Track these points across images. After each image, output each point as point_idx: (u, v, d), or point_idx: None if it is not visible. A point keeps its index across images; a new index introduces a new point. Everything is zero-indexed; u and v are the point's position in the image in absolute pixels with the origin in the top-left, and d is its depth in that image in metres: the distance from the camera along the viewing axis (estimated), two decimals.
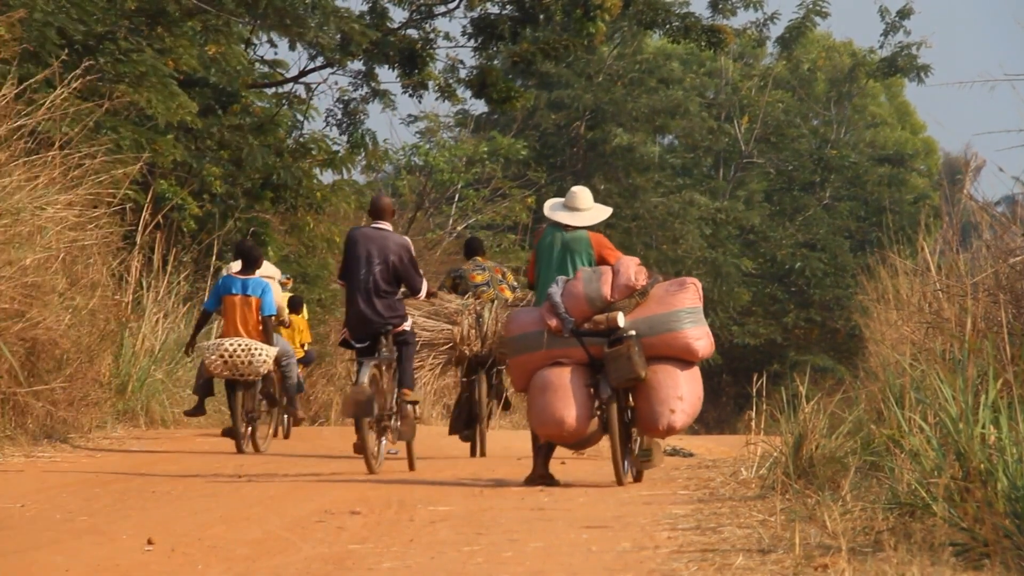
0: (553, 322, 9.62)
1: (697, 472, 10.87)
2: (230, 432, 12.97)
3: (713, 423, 39.37)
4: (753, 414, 9.58)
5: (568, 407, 9.50)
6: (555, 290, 9.71)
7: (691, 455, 13.58)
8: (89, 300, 13.98)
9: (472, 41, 23.94)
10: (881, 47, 41.36)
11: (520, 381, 9.85)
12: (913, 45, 40.43)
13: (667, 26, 23.62)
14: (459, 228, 34.27)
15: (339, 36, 22.20)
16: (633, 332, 9.54)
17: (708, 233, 38.69)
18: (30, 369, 12.61)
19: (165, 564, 6.45)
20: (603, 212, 10.20)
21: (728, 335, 38.90)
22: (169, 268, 17.80)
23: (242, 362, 12.54)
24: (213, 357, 12.53)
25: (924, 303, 10.81)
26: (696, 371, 9.78)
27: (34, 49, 15.92)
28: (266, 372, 12.79)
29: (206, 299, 13.16)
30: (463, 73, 25.35)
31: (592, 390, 9.60)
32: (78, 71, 14.16)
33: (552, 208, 10.15)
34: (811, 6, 40.33)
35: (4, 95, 13.07)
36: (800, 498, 7.98)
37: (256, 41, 24.04)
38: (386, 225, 10.84)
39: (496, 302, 12.76)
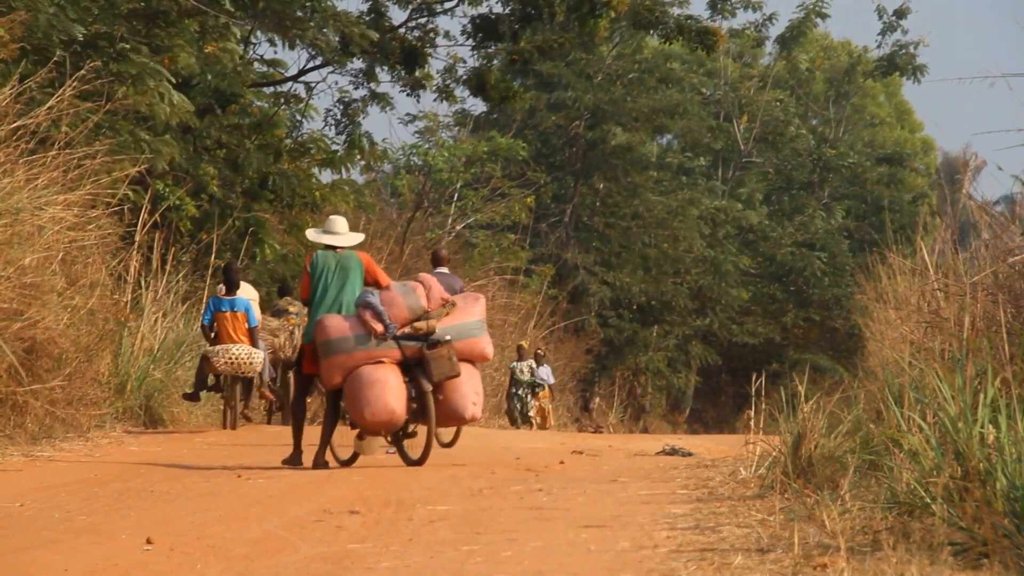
0: (379, 327, 11.04)
1: (696, 471, 10.86)
2: (215, 388, 16.11)
3: (712, 422, 39.40)
4: (752, 413, 9.59)
5: (396, 400, 11.03)
6: (374, 300, 11.08)
7: (690, 455, 13.56)
8: (88, 300, 13.99)
9: (471, 41, 23.93)
10: (879, 46, 41.38)
11: (334, 378, 11.10)
12: (910, 44, 40.45)
13: (660, 27, 23.59)
14: (458, 227, 34.26)
15: (339, 37, 22.17)
16: (449, 337, 11.18)
17: (707, 232, 38.68)
18: (29, 368, 12.60)
19: (164, 563, 6.45)
20: (358, 237, 11.73)
21: (727, 334, 38.90)
22: (168, 267, 17.79)
23: (244, 363, 15.76)
24: (223, 359, 15.65)
25: (923, 302, 10.81)
26: (478, 371, 11.57)
27: (33, 49, 15.89)
28: (260, 370, 15.94)
29: (203, 317, 16.01)
30: (462, 72, 25.33)
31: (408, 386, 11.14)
32: (81, 72, 14.14)
33: (317, 235, 11.70)
34: (811, 7, 40.35)
35: (4, 95, 13.06)
36: (799, 497, 7.98)
37: (255, 40, 24.01)
38: (444, 269, 13.08)
39: (301, 325, 16.97)
